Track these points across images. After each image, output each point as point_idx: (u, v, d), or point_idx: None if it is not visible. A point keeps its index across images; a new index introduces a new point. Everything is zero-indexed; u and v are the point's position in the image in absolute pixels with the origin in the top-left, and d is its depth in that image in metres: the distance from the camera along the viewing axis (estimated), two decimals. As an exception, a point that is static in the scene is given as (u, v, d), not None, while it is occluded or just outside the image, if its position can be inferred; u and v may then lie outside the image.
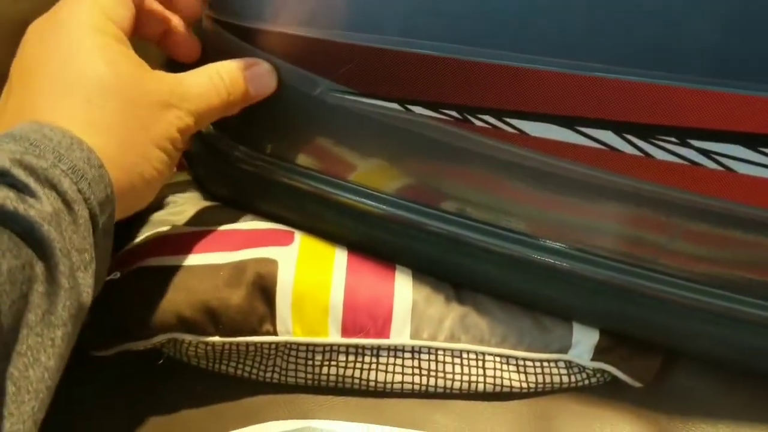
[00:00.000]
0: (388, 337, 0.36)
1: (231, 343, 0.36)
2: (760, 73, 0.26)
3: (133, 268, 0.36)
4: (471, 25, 0.29)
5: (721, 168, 0.28)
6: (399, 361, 0.37)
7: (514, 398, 0.38)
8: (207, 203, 0.42)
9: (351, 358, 0.37)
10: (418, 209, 0.36)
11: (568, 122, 0.29)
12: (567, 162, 0.30)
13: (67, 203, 0.25)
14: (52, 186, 0.25)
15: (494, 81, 0.29)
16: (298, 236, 0.38)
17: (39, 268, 0.23)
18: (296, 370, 0.37)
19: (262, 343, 0.36)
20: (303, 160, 0.37)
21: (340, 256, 0.37)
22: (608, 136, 0.29)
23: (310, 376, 0.37)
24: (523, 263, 0.35)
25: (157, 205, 0.42)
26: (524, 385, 0.37)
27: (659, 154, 0.28)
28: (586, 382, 0.38)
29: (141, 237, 0.39)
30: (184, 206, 0.41)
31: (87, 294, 0.26)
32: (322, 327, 0.36)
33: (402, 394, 0.37)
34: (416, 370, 0.37)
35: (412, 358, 0.37)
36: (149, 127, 0.30)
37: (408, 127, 0.32)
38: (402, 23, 0.30)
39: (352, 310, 0.36)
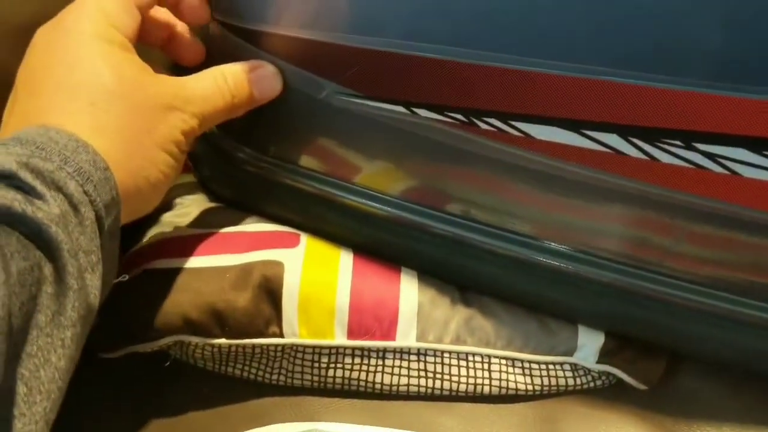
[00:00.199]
0: (394, 339, 0.36)
1: (237, 345, 0.36)
2: (766, 77, 0.26)
3: (140, 270, 0.37)
4: (476, 28, 0.29)
5: (726, 171, 0.28)
6: (405, 364, 0.37)
7: (519, 401, 0.38)
8: (213, 205, 0.42)
9: (357, 360, 0.37)
10: (423, 211, 0.36)
11: (574, 125, 0.29)
12: (572, 165, 0.30)
13: (74, 205, 0.25)
14: (59, 188, 0.25)
15: (500, 84, 0.29)
16: (304, 238, 0.38)
17: (48, 269, 0.23)
18: (302, 372, 0.37)
19: (268, 345, 0.37)
20: (308, 162, 0.37)
21: (345, 259, 0.37)
22: (614, 140, 0.29)
23: (316, 378, 0.37)
24: (528, 266, 0.35)
25: (164, 207, 0.42)
26: (530, 387, 0.37)
27: (664, 158, 0.28)
28: (592, 384, 0.38)
29: (148, 239, 0.39)
30: (190, 208, 0.42)
31: (95, 296, 0.26)
32: (329, 329, 0.36)
33: (408, 396, 0.37)
34: (422, 373, 0.37)
35: (418, 361, 0.37)
36: (153, 130, 0.30)
37: (413, 130, 0.32)
38: (407, 26, 0.30)
39: (358, 312, 0.36)
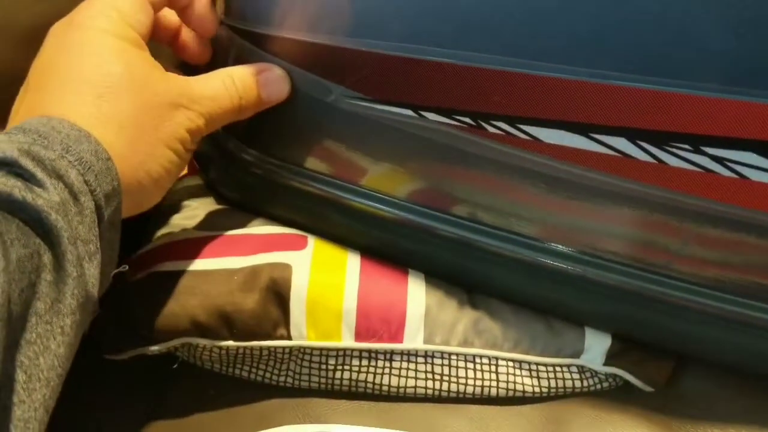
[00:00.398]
0: (401, 341, 0.36)
1: (245, 348, 0.36)
2: (774, 81, 0.26)
3: (148, 272, 0.37)
4: (484, 31, 0.29)
5: (734, 175, 0.28)
6: (412, 366, 0.37)
7: (526, 403, 0.38)
8: (221, 207, 0.42)
9: (364, 362, 0.37)
10: (430, 214, 0.36)
11: (582, 129, 0.29)
12: (580, 168, 0.30)
13: (74, 194, 0.25)
14: (59, 177, 0.25)
15: (508, 88, 0.29)
16: (312, 241, 0.38)
17: (47, 257, 0.23)
18: (310, 375, 0.37)
19: (276, 348, 0.37)
20: (315, 164, 0.37)
21: (353, 261, 0.38)
22: (622, 143, 0.29)
23: (323, 380, 0.37)
24: (535, 268, 0.35)
25: (172, 208, 0.42)
26: (537, 389, 0.37)
27: (672, 161, 0.28)
28: (599, 386, 0.38)
29: (155, 241, 0.39)
30: (197, 210, 0.42)
31: (93, 285, 0.26)
32: (336, 331, 0.36)
33: (415, 398, 0.37)
34: (429, 375, 0.37)
35: (426, 363, 0.37)
36: (159, 126, 0.30)
37: (421, 134, 0.33)
38: (415, 30, 0.30)
39: (366, 314, 0.36)
